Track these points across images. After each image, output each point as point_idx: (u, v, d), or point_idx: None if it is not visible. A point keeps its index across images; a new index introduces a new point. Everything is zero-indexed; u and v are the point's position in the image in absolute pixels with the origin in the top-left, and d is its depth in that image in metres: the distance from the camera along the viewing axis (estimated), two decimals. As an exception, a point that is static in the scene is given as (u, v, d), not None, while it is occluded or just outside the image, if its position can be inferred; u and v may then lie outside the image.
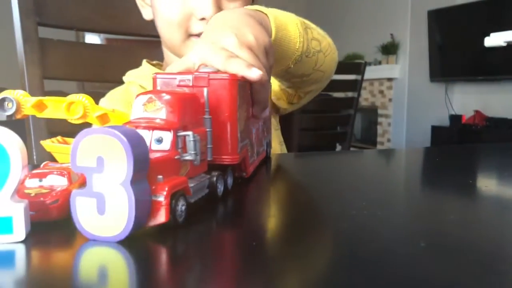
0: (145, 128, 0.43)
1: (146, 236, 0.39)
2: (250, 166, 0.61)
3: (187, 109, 0.45)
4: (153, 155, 0.42)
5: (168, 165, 0.41)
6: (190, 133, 0.43)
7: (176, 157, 0.42)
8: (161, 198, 0.39)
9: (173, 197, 0.40)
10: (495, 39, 1.69)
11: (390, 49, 4.28)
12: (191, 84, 0.52)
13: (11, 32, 0.99)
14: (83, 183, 0.37)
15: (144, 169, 0.38)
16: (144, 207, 0.38)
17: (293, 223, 0.45)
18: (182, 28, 0.83)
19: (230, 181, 0.54)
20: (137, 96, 0.44)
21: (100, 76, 1.04)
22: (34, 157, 0.99)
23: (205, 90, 0.49)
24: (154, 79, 0.51)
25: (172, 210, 0.39)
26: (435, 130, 3.80)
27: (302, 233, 0.41)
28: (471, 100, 3.49)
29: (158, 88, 0.51)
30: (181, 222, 0.41)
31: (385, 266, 0.33)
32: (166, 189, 0.39)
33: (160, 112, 0.43)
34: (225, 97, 0.52)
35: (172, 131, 0.43)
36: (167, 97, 0.43)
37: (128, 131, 0.37)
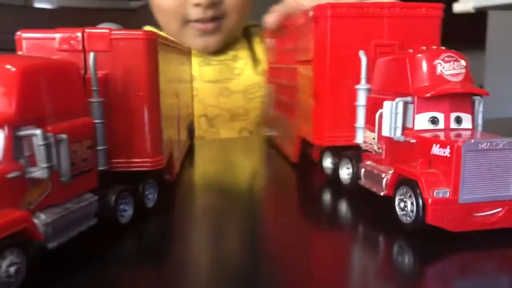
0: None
1: None
2: (176, 163, 0.44)
3: (43, 88, 0.26)
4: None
5: (-14, 192, 0.23)
6: (38, 131, 0.25)
7: (9, 175, 0.24)
8: (-46, 261, 0.20)
9: (-10, 252, 0.22)
10: (464, 5, 1.55)
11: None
12: (80, 47, 0.33)
13: None
14: None
15: None
16: None
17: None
18: (178, 15, 0.76)
19: (152, 195, 0.36)
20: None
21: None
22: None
23: (91, 55, 0.31)
24: (18, 40, 0.33)
25: (-16, 278, 0.21)
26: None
27: None
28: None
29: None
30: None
31: None
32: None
33: (-17, 95, 0.24)
34: (139, 67, 0.34)
35: (4, 129, 0.24)
36: (-3, 68, 0.25)
37: None
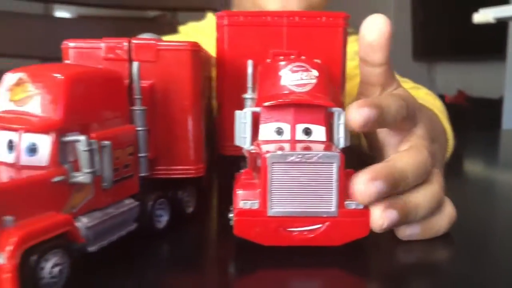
0: (6, 128, 0.26)
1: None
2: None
3: (88, 95, 0.27)
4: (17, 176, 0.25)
5: (32, 195, 0.24)
6: (82, 137, 0.26)
7: (55, 179, 0.25)
8: (1, 260, 0.21)
9: (34, 252, 0.22)
10: (484, 15, 1.49)
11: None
12: (126, 57, 0.34)
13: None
14: None
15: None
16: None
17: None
18: None
19: (191, 201, 0.37)
20: (4, 74, 0.27)
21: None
22: None
23: (134, 64, 0.32)
24: (65, 49, 0.34)
25: (28, 277, 0.22)
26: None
27: None
28: (454, 79, 3.11)
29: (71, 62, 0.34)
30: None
31: None
32: (14, 240, 0.22)
33: (31, 102, 0.26)
34: (184, 77, 0.35)
35: (51, 135, 0.25)
36: (45, 77, 0.26)
37: None
